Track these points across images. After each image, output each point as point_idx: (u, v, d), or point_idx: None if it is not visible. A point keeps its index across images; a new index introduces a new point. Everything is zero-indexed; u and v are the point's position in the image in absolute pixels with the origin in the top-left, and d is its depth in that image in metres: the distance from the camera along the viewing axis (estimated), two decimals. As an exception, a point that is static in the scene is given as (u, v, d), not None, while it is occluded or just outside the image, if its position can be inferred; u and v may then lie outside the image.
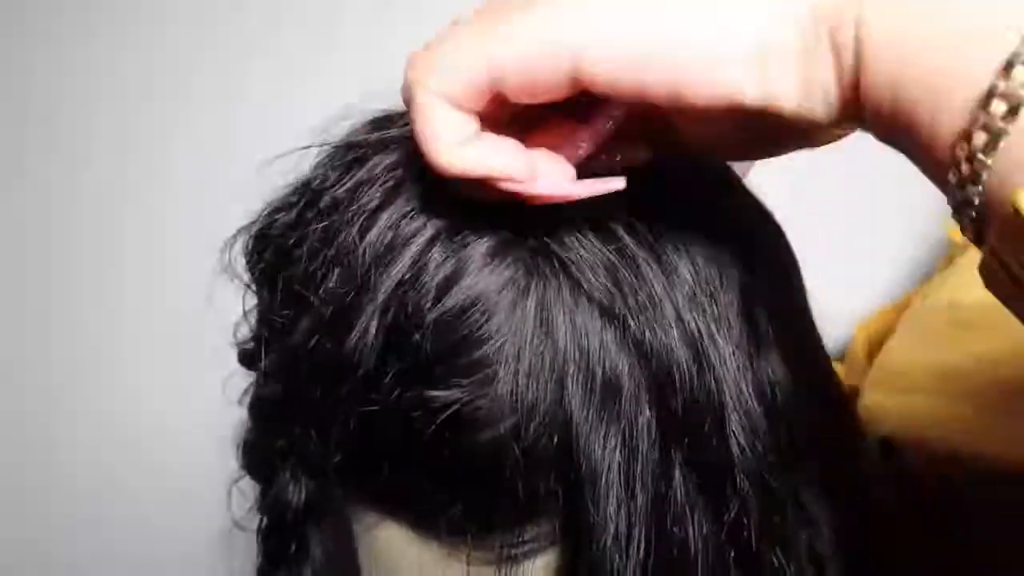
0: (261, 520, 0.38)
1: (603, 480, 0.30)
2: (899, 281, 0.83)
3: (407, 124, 0.30)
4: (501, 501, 0.31)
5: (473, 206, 0.30)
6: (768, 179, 0.39)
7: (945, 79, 0.23)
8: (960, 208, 0.24)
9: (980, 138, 0.22)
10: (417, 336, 0.30)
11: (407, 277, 0.30)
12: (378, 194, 0.32)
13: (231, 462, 0.42)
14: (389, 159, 0.33)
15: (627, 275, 0.30)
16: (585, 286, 0.30)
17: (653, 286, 0.30)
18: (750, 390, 0.32)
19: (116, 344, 0.64)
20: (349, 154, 0.34)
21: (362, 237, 0.31)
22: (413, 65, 0.27)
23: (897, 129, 0.24)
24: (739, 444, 0.31)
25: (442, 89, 0.27)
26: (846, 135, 0.29)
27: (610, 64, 0.26)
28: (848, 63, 0.25)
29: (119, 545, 0.66)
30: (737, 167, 0.37)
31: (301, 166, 0.37)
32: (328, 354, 0.32)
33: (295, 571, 0.36)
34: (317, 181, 0.35)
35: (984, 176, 0.22)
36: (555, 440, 0.30)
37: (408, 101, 0.28)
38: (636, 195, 0.30)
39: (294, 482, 0.35)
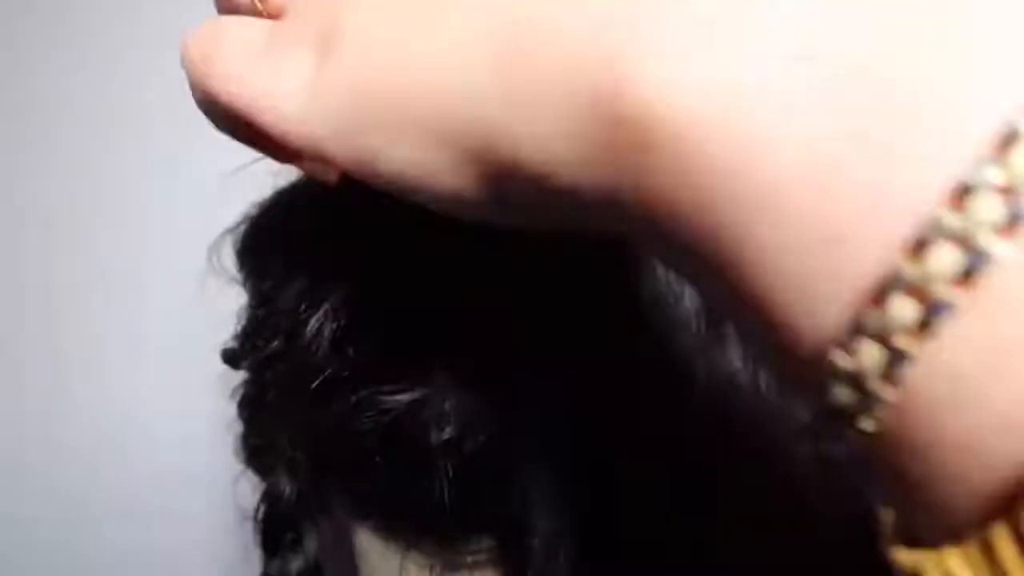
0: (258, 509, 0.39)
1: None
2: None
3: None
4: (442, 511, 0.30)
5: None
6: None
7: None
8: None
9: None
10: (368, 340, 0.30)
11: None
12: None
13: (234, 457, 0.42)
14: None
15: None
16: None
17: None
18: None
19: (117, 341, 0.65)
20: None
21: None
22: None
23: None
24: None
25: None
26: None
27: None
28: None
29: (121, 542, 0.66)
30: None
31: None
32: (285, 357, 0.32)
33: (288, 561, 0.37)
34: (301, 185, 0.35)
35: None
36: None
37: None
38: None
39: (287, 476, 0.35)
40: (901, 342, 0.13)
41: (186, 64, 0.21)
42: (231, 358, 0.38)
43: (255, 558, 0.41)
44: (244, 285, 0.36)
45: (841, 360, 0.13)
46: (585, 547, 0.29)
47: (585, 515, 0.29)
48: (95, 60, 0.62)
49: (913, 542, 0.14)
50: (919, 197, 0.13)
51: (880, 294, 0.13)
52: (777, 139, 0.13)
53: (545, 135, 0.16)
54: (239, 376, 0.43)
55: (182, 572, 0.64)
